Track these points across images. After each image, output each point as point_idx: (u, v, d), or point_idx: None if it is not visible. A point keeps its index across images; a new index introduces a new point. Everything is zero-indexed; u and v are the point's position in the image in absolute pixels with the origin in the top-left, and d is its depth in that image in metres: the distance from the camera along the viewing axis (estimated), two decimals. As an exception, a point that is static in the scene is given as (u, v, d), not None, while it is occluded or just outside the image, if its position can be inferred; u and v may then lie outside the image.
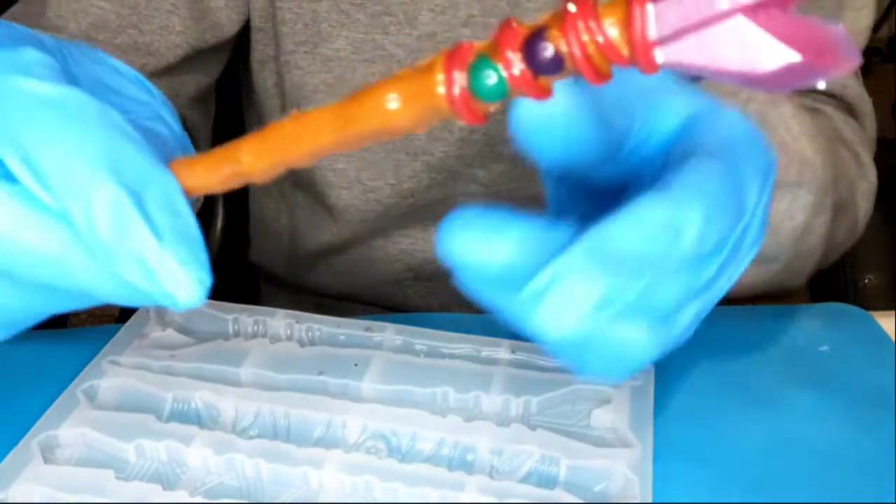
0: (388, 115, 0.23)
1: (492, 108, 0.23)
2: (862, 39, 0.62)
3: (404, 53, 0.61)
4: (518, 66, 0.21)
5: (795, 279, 0.57)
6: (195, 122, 0.67)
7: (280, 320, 0.51)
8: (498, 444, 0.43)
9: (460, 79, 0.22)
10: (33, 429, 0.44)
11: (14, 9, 0.60)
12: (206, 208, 0.88)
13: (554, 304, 0.27)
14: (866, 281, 0.81)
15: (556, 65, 0.21)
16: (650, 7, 0.20)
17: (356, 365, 0.48)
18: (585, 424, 0.45)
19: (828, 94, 0.64)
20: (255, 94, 0.68)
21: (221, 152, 0.26)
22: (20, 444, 0.43)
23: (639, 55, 0.20)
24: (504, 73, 0.22)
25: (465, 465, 0.43)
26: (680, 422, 0.46)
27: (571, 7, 0.20)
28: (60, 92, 0.26)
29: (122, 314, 0.83)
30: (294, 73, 0.62)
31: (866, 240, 0.77)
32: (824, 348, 0.51)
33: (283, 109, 0.67)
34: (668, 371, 0.48)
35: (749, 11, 0.19)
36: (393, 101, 0.23)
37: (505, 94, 0.22)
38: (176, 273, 0.26)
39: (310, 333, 0.51)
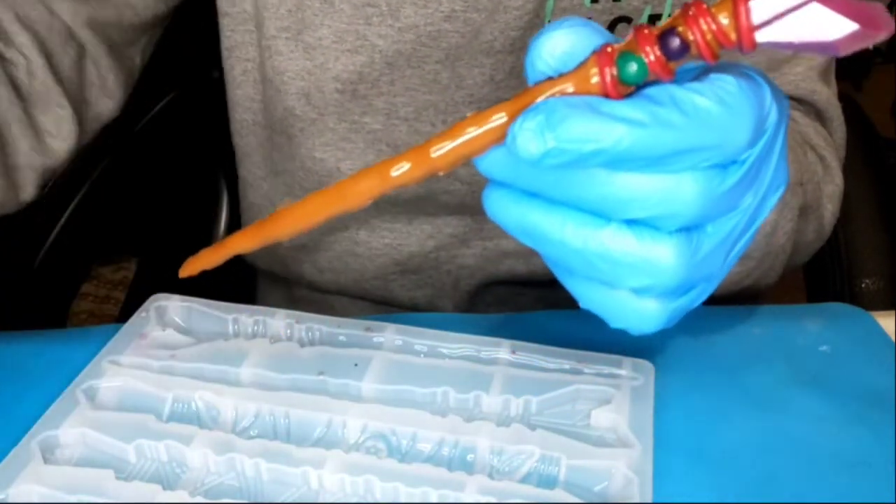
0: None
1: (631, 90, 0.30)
2: None
3: (386, 45, 0.61)
4: (655, 53, 0.29)
5: (767, 277, 0.59)
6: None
7: (280, 320, 0.51)
8: (498, 444, 0.43)
9: (610, 71, 0.30)
10: (33, 429, 0.44)
11: None
12: (209, 207, 0.88)
13: (525, 120, 0.30)
14: (863, 285, 0.81)
15: (684, 50, 0.29)
16: (752, 2, 0.28)
17: (356, 365, 0.48)
18: (585, 424, 0.45)
19: (797, 100, 0.65)
20: (225, 83, 0.68)
21: (420, 149, 0.32)
22: (20, 444, 0.43)
23: (744, 38, 0.28)
24: (645, 61, 0.29)
25: (465, 465, 0.43)
26: (680, 422, 0.46)
27: (691, 10, 0.29)
28: None
29: (122, 314, 0.83)
30: (275, 59, 0.63)
31: (864, 244, 0.77)
32: (824, 348, 0.51)
33: (253, 98, 0.67)
34: (668, 371, 0.48)
35: None
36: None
37: (644, 78, 0.30)
38: None
39: (310, 333, 0.51)
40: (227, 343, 0.50)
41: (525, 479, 0.42)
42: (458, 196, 0.67)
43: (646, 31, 0.29)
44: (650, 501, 0.40)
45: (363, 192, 0.33)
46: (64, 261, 0.78)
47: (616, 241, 0.32)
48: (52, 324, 0.80)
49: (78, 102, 0.63)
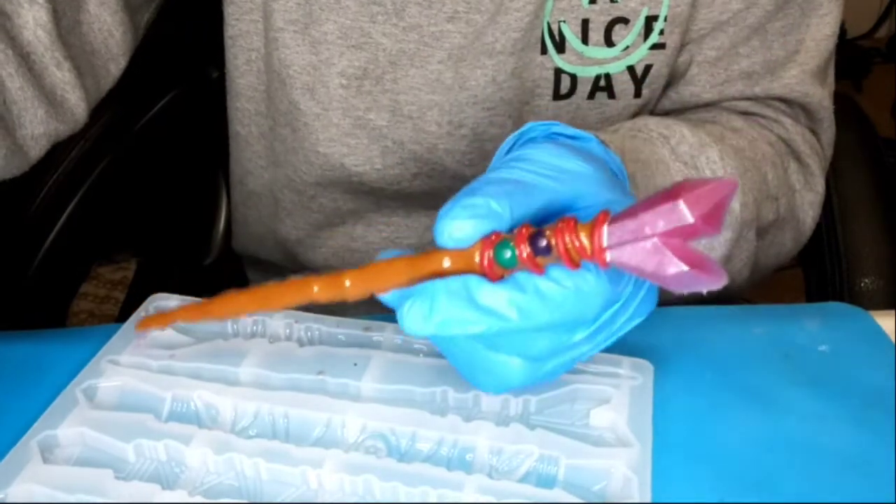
0: (443, 271, 0.38)
1: (507, 274, 0.37)
2: (826, 45, 0.65)
3: (390, 43, 0.62)
4: (525, 249, 0.36)
5: (726, 292, 0.60)
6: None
7: (279, 320, 0.51)
8: (497, 443, 0.43)
9: (489, 253, 0.37)
10: (32, 428, 0.44)
11: None
12: (209, 207, 0.88)
13: (412, 306, 0.37)
14: (863, 285, 0.81)
15: (547, 251, 0.36)
16: (605, 228, 0.35)
17: (355, 364, 0.48)
18: (584, 424, 0.45)
19: (788, 102, 0.66)
20: (227, 71, 0.69)
21: (333, 278, 0.39)
22: (19, 443, 0.43)
23: (597, 257, 0.35)
24: (516, 252, 0.36)
25: (465, 465, 0.43)
26: (679, 421, 0.46)
27: (560, 224, 0.36)
28: None
29: (122, 314, 0.83)
30: (282, 51, 0.63)
31: (863, 244, 0.77)
32: (823, 348, 0.51)
33: (256, 88, 0.67)
34: (668, 371, 0.48)
35: (663, 237, 0.34)
36: (446, 261, 0.38)
37: (515, 265, 0.36)
38: None
39: (309, 333, 0.51)
40: (226, 343, 0.50)
41: (524, 479, 0.42)
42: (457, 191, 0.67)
43: (524, 231, 0.36)
44: (649, 501, 0.40)
45: (287, 302, 0.40)
46: (64, 261, 0.78)
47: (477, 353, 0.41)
48: (52, 324, 0.80)
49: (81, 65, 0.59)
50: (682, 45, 0.64)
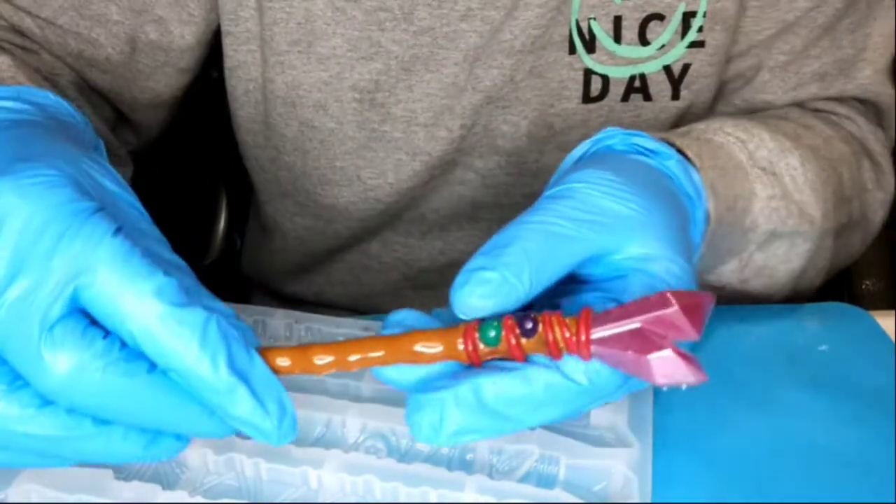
0: (424, 356, 0.36)
1: (488, 357, 0.36)
2: (893, 39, 0.63)
3: (402, 50, 0.60)
4: (513, 338, 0.35)
5: (795, 300, 0.59)
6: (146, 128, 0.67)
7: (279, 320, 0.51)
8: (497, 443, 0.43)
9: (473, 332, 0.36)
10: (33, 428, 0.44)
11: None
12: (210, 207, 0.88)
13: (422, 419, 0.36)
14: (864, 286, 0.81)
15: (532, 331, 0.35)
16: (591, 320, 0.35)
17: (356, 365, 0.48)
18: (585, 424, 0.45)
19: (861, 101, 0.65)
20: (228, 102, 0.66)
21: (298, 351, 0.37)
22: (19, 443, 0.43)
23: (581, 348, 0.34)
24: (502, 333, 0.35)
25: (465, 465, 0.43)
26: (679, 421, 0.46)
27: (549, 315, 0.35)
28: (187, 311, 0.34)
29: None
30: (288, 73, 0.61)
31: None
32: (824, 348, 0.51)
33: (254, 119, 0.65)
34: (668, 371, 0.48)
35: (648, 327, 0.34)
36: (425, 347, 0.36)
37: (499, 342, 0.35)
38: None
39: (309, 333, 0.51)
40: (226, 343, 0.50)
41: (524, 479, 0.42)
42: (471, 190, 0.66)
43: (510, 322, 0.35)
44: (649, 501, 0.40)
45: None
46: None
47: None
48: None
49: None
50: (730, 45, 0.61)
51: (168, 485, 0.42)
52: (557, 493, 0.40)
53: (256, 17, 0.60)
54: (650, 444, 0.43)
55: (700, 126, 0.54)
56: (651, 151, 0.46)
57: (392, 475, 0.40)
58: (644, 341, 0.34)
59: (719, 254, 0.51)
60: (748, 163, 0.52)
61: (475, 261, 0.37)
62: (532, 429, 0.43)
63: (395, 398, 0.46)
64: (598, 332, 0.34)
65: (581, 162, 0.46)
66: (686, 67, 0.61)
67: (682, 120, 0.63)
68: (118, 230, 0.34)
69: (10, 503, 0.40)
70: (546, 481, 0.42)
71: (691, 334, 0.34)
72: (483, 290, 0.36)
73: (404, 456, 0.43)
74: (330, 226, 0.68)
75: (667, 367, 0.34)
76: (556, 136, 0.64)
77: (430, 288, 0.70)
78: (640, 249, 0.39)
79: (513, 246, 0.37)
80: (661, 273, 0.38)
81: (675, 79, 0.62)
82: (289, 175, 0.67)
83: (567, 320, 0.35)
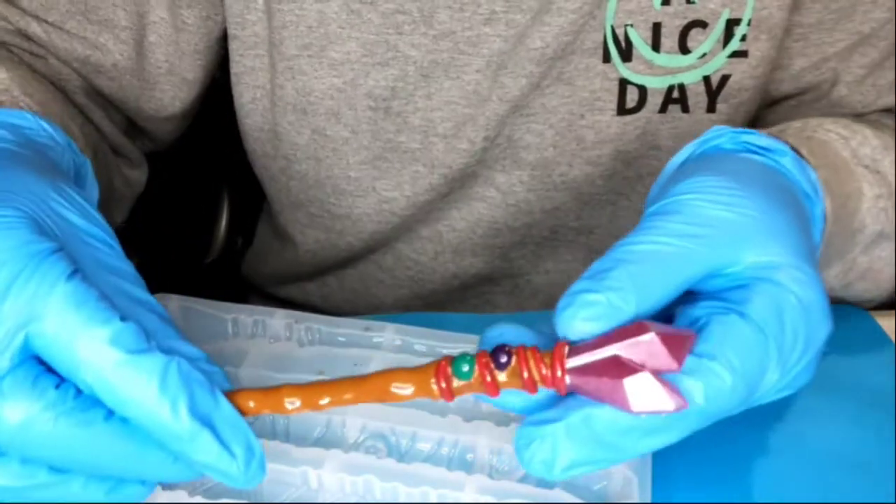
0: (395, 396, 0.36)
1: (462, 392, 0.35)
2: None
3: (420, 55, 0.57)
4: (485, 360, 0.35)
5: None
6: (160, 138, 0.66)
7: (279, 320, 0.51)
8: (497, 443, 0.43)
9: (446, 367, 0.35)
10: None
11: None
12: (210, 207, 0.88)
13: (533, 454, 0.34)
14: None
15: (506, 364, 0.34)
16: (566, 360, 0.34)
17: (356, 365, 0.48)
18: (585, 424, 0.45)
19: None
20: (235, 110, 0.64)
21: (268, 393, 0.36)
22: (19, 443, 0.43)
23: (557, 383, 0.34)
24: (475, 363, 0.35)
25: (465, 465, 0.43)
26: (679, 421, 0.45)
27: (523, 349, 0.34)
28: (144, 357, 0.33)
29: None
30: (298, 79, 0.59)
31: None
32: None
33: (262, 128, 0.63)
34: (668, 371, 0.48)
35: (625, 353, 0.33)
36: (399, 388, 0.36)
37: (472, 377, 0.35)
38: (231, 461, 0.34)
39: (309, 333, 0.51)
40: (226, 343, 0.50)
41: (524, 479, 0.42)
42: (490, 206, 0.63)
43: (484, 360, 0.35)
44: (649, 501, 0.40)
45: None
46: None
47: None
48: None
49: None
50: (774, 56, 0.59)
51: (168, 485, 0.42)
52: (557, 493, 0.40)
53: (265, 20, 0.58)
54: (650, 445, 0.43)
55: (797, 124, 0.52)
56: (763, 149, 0.43)
57: (392, 475, 0.40)
58: (620, 367, 0.33)
59: (826, 257, 0.47)
60: (852, 160, 0.50)
61: (579, 284, 0.35)
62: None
63: (395, 398, 0.46)
64: (574, 362, 0.34)
65: (686, 165, 0.44)
66: (725, 79, 0.58)
67: None
68: (73, 273, 0.34)
69: (11, 503, 0.40)
70: (546, 481, 0.42)
71: (671, 364, 0.33)
72: (587, 312, 0.34)
73: (404, 456, 0.43)
74: (342, 238, 0.66)
75: (643, 390, 0.32)
76: (587, 149, 0.61)
77: (440, 307, 0.68)
78: (760, 258, 0.36)
79: (617, 269, 0.35)
80: (786, 282, 0.36)
81: (713, 90, 0.59)
82: (300, 185, 0.64)
83: (542, 353, 0.34)
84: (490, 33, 0.56)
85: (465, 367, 0.35)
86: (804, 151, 0.45)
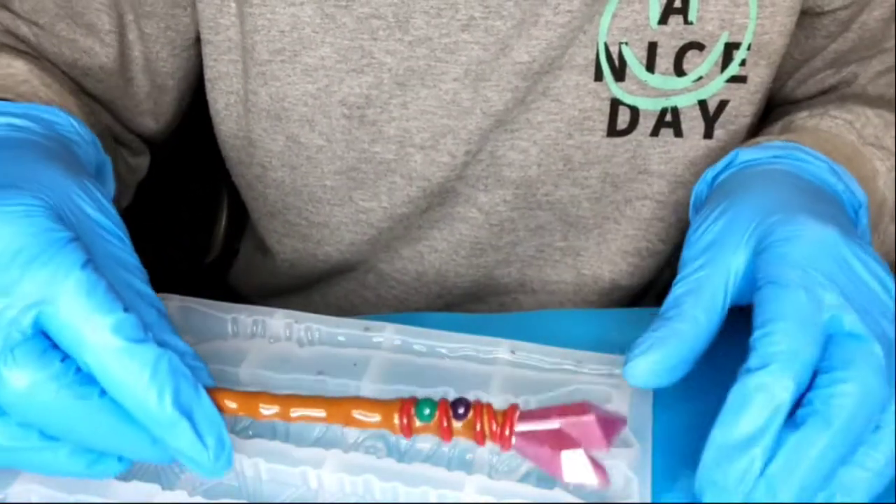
0: (358, 422, 0.40)
1: (420, 432, 0.40)
2: None
3: (395, 62, 0.55)
4: (445, 408, 0.39)
5: None
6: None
7: (279, 320, 0.51)
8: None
9: (410, 407, 0.40)
10: (32, 428, 0.44)
11: None
12: (210, 208, 0.88)
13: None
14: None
15: (463, 416, 0.39)
16: (517, 424, 0.39)
17: (355, 365, 0.48)
18: (585, 424, 0.45)
19: None
20: (211, 116, 0.63)
21: (246, 396, 0.40)
22: (19, 443, 0.43)
23: (504, 441, 0.39)
24: (437, 409, 0.39)
25: (465, 465, 0.43)
26: (679, 421, 0.46)
27: (480, 405, 0.39)
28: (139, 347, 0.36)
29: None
30: (271, 85, 0.57)
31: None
32: (824, 348, 0.51)
33: (236, 135, 0.62)
34: (668, 371, 0.48)
35: (566, 428, 0.38)
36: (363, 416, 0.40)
37: (431, 419, 0.39)
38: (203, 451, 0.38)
39: (309, 333, 0.51)
40: (225, 343, 0.50)
41: (524, 479, 0.42)
42: (471, 227, 0.63)
43: (445, 403, 0.40)
44: (649, 501, 0.40)
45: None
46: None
47: None
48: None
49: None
50: (776, 81, 0.59)
51: (168, 485, 0.42)
52: (557, 493, 0.40)
53: (238, 24, 0.57)
54: (650, 445, 0.43)
55: (802, 114, 0.54)
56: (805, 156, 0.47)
57: (391, 475, 0.41)
58: (560, 440, 0.38)
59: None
60: (859, 142, 0.53)
61: (644, 339, 0.42)
62: None
63: (394, 398, 0.46)
64: (522, 427, 0.38)
65: (717, 185, 0.49)
66: (723, 104, 0.57)
67: (716, 160, 0.55)
68: (87, 262, 0.37)
69: (10, 503, 0.40)
70: (546, 481, 0.42)
71: (601, 445, 0.38)
72: (656, 367, 0.42)
73: (404, 456, 0.43)
74: (320, 247, 0.65)
75: (575, 465, 0.38)
76: (574, 170, 0.60)
77: (461, 308, 0.67)
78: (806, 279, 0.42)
79: (677, 323, 0.43)
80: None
81: (710, 116, 0.58)
82: (277, 192, 0.63)
83: (496, 412, 0.39)
84: (468, 40, 0.54)
85: (427, 411, 0.39)
86: (821, 153, 0.48)
